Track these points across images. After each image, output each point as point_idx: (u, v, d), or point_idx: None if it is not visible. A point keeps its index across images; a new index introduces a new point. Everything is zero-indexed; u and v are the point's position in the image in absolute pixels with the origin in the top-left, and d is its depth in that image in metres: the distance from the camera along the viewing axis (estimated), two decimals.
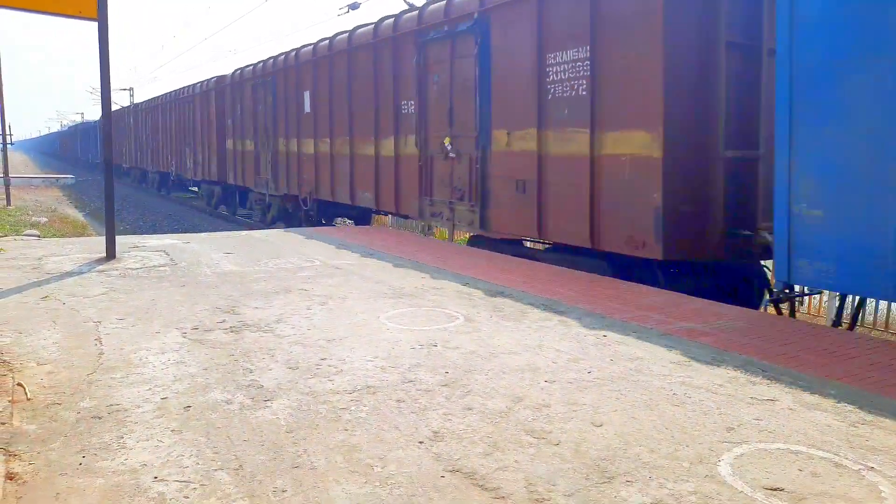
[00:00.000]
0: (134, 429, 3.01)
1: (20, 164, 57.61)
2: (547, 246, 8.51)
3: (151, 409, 3.24)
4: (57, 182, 38.01)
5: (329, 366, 3.90)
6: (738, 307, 5.48)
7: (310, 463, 2.70)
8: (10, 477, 2.57)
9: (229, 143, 18.68)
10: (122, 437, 2.92)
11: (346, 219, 15.01)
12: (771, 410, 3.26)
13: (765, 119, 6.18)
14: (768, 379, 3.71)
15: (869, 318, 7.55)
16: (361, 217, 14.25)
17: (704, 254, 6.51)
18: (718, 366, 3.94)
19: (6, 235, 12.88)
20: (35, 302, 5.49)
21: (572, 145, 7.35)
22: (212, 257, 7.91)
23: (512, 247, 8.72)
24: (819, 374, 3.81)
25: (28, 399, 3.35)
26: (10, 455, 2.74)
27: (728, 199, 6.31)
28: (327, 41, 13.12)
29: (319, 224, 13.92)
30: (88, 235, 15.83)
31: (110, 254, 7.74)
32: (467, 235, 10.38)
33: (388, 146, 11.31)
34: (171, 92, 25.28)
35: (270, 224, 15.85)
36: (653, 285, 6.35)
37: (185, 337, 4.50)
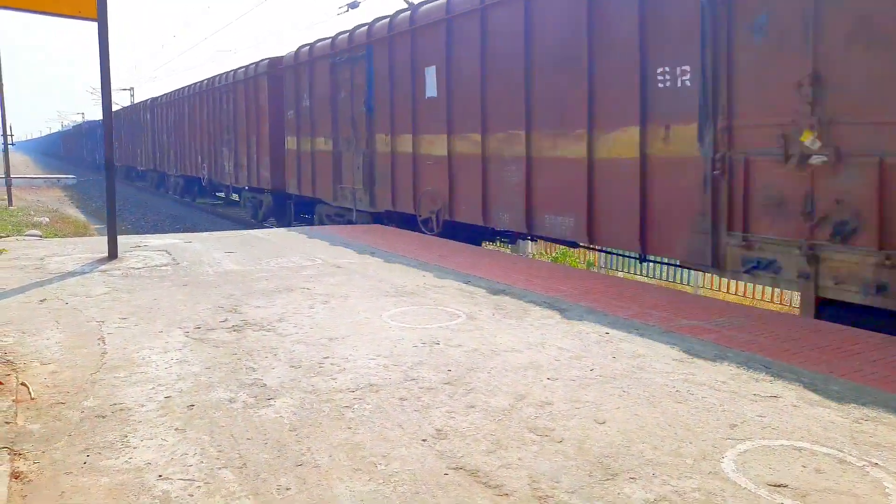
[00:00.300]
0: (138, 428, 3.02)
1: (21, 165, 57.68)
2: None
3: (155, 408, 3.24)
4: (58, 182, 38.03)
5: (332, 364, 3.91)
6: (741, 304, 5.47)
7: (313, 461, 2.71)
8: (15, 476, 2.57)
9: (290, 142, 14.80)
10: (126, 436, 2.92)
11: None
12: (774, 407, 3.26)
13: None
14: (771, 375, 3.71)
15: None
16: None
17: None
18: (721, 362, 3.94)
19: (8, 236, 12.90)
20: (38, 302, 5.50)
21: None
22: (214, 256, 7.91)
23: None
24: (822, 370, 3.81)
25: (32, 399, 3.36)
26: (14, 454, 2.74)
27: None
28: None
29: None
30: (90, 235, 15.85)
31: (112, 253, 7.74)
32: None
33: (621, 142, 6.85)
34: (201, 81, 21.21)
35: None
36: None
37: (187, 336, 4.51)
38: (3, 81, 20.98)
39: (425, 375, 3.71)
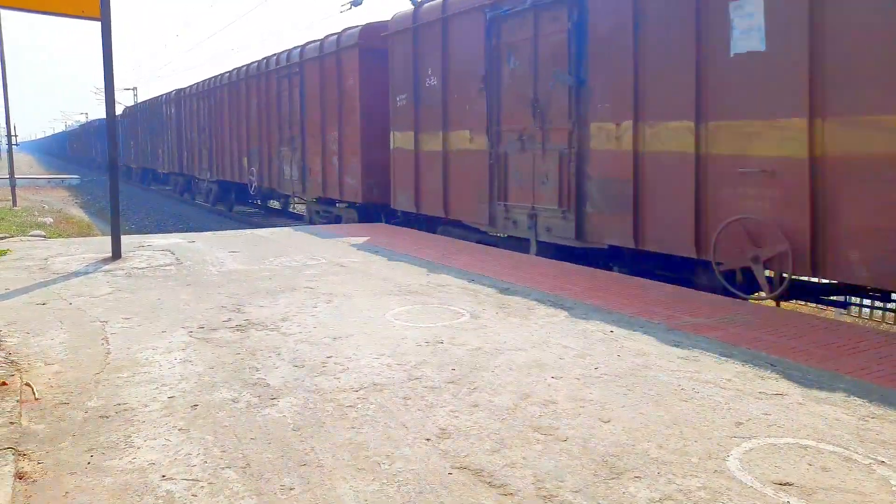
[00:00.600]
0: (141, 428, 3.02)
1: (25, 165, 57.82)
2: None
3: (159, 408, 3.24)
4: (62, 183, 38.14)
5: (335, 364, 3.90)
6: (746, 301, 5.45)
7: (317, 461, 2.70)
8: (19, 476, 2.57)
9: (400, 139, 10.93)
10: (130, 436, 2.92)
11: None
12: (780, 405, 3.24)
13: None
14: (777, 373, 3.69)
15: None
16: None
17: None
18: (726, 360, 3.92)
19: (12, 236, 12.94)
20: (42, 302, 5.50)
21: None
22: (217, 256, 7.92)
23: None
24: (828, 367, 3.79)
25: (36, 399, 3.36)
26: (19, 454, 2.75)
27: None
28: None
29: None
30: (94, 235, 15.88)
31: (116, 253, 7.75)
32: None
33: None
34: (248, 65, 17.35)
35: None
36: None
37: (191, 336, 4.51)
38: (7, 82, 21.00)
39: (429, 374, 3.70)
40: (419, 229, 10.85)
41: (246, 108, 17.46)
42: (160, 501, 2.40)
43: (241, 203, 20.38)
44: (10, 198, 21.66)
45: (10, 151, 22.54)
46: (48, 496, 2.44)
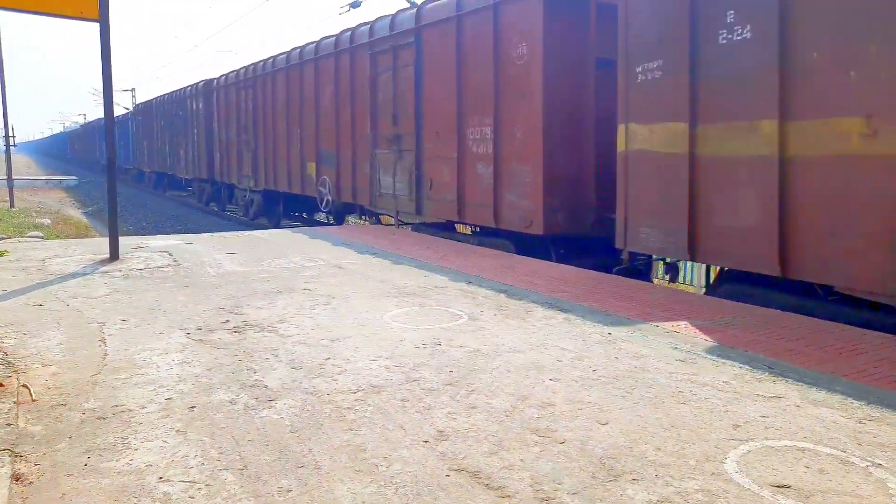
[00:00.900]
0: (139, 429, 3.01)
1: (23, 166, 57.73)
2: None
3: (156, 410, 3.24)
4: (60, 184, 38.07)
5: (333, 365, 3.90)
6: (744, 304, 5.46)
7: (315, 462, 2.70)
8: (16, 478, 2.57)
9: (641, 135, 6.56)
10: (127, 438, 2.92)
11: None
12: (777, 407, 3.24)
13: None
14: (774, 375, 3.69)
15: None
16: None
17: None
18: (724, 363, 3.93)
19: (10, 237, 12.92)
20: (39, 303, 5.49)
21: None
22: (215, 258, 7.91)
23: None
24: (826, 370, 3.79)
25: (33, 400, 3.35)
26: (15, 456, 2.74)
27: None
28: None
29: None
30: (91, 237, 15.86)
31: (114, 255, 7.75)
32: None
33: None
34: (318, 42, 13.41)
35: None
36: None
37: (188, 337, 4.50)
38: (5, 82, 20.98)
39: (427, 376, 3.70)
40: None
41: (314, 98, 13.42)
42: (157, 503, 2.40)
43: (289, 217, 17.02)
44: (8, 199, 21.63)
45: (7, 153, 22.52)
46: (45, 498, 2.44)
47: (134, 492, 2.47)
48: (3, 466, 2.64)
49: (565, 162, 7.94)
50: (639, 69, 6.61)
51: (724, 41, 5.71)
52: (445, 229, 10.43)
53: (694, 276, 9.15)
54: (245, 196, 18.01)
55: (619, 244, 6.92)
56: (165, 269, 7.10)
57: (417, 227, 11.07)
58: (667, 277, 7.28)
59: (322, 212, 14.00)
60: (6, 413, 3.18)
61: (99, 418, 3.13)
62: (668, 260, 7.09)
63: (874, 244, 4.71)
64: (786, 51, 5.23)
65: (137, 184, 34.80)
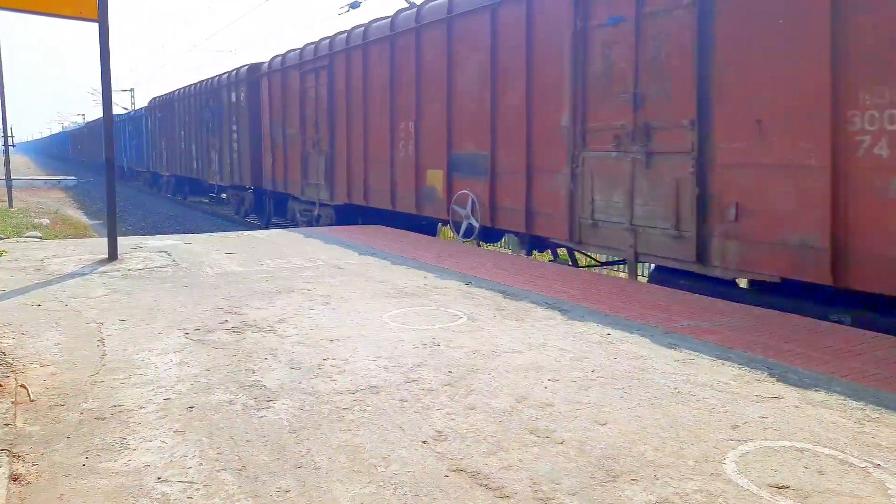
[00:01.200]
0: (137, 430, 3.01)
1: (21, 166, 57.72)
2: None
3: (154, 410, 3.23)
4: (59, 184, 38.06)
5: (332, 366, 3.90)
6: (743, 304, 5.46)
7: (313, 463, 2.70)
8: (14, 478, 2.56)
9: None
10: (126, 438, 2.91)
11: None
12: (776, 408, 3.24)
13: None
14: (773, 376, 3.69)
15: None
16: None
17: None
18: (723, 363, 3.93)
19: (8, 237, 12.91)
20: (37, 304, 5.49)
21: None
22: (214, 258, 7.90)
23: None
24: (825, 370, 3.79)
25: (31, 401, 3.35)
26: (13, 456, 2.73)
27: None
28: None
29: None
30: (90, 237, 15.85)
31: (112, 255, 7.74)
32: None
33: None
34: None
35: None
36: None
37: (187, 338, 4.50)
38: (4, 82, 20.96)
39: (426, 377, 3.69)
40: None
41: (446, 75, 9.59)
42: (155, 503, 2.40)
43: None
44: (7, 199, 21.62)
45: (6, 153, 22.49)
46: (43, 498, 2.43)
47: (132, 492, 2.46)
48: (1, 467, 2.64)
49: None
50: None
51: None
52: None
53: None
54: (310, 211, 13.90)
55: None
56: (164, 270, 7.09)
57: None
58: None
59: (460, 240, 9.50)
60: (4, 413, 3.18)
61: (97, 419, 3.13)
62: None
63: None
64: None
65: (151, 188, 30.88)
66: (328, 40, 12.96)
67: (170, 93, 24.14)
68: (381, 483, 2.53)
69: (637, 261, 6.91)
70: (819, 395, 3.41)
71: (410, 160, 10.56)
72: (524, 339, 4.42)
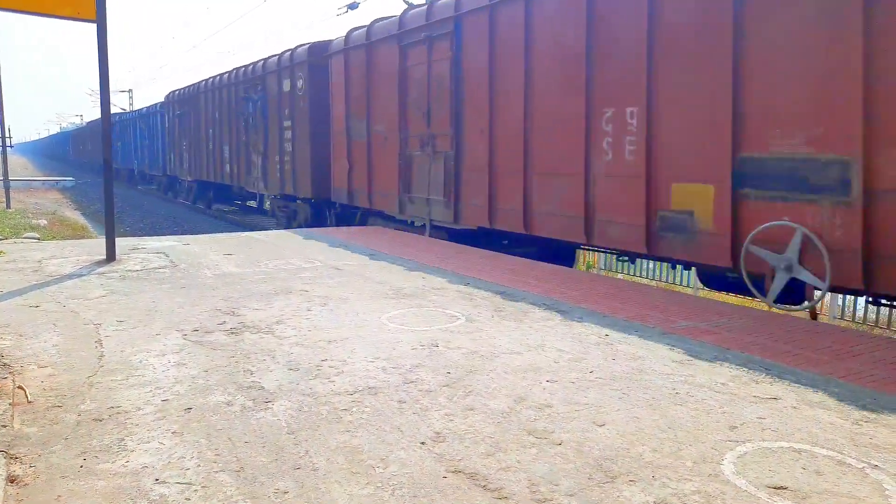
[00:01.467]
0: (135, 431, 3.00)
1: (19, 167, 57.62)
2: None
3: (152, 412, 3.23)
4: (57, 185, 38.01)
5: (330, 367, 3.89)
6: (740, 306, 5.47)
7: (311, 464, 2.69)
8: (11, 480, 2.56)
9: None
10: (123, 440, 2.91)
11: None
12: (774, 409, 3.25)
13: None
14: (771, 377, 3.70)
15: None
16: None
17: None
18: (721, 364, 3.93)
19: (6, 238, 12.89)
20: (35, 305, 5.48)
21: None
22: (212, 259, 7.90)
23: None
24: (822, 371, 3.80)
25: (29, 402, 3.34)
26: (11, 458, 2.73)
27: None
28: None
29: None
30: (89, 238, 15.83)
31: (110, 256, 7.73)
32: None
33: None
34: None
35: None
36: None
37: (185, 339, 4.49)
38: (2, 83, 20.92)
39: (424, 378, 3.69)
40: None
41: None
42: None
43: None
44: (4, 200, 21.59)
45: (3, 153, 22.45)
46: (40, 500, 2.43)
47: (130, 494, 2.46)
48: None
49: None
50: None
51: None
52: None
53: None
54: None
55: None
56: (162, 271, 7.08)
57: None
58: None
59: (772, 305, 5.66)
60: (2, 415, 3.17)
61: (95, 420, 3.12)
62: None
63: None
64: None
65: (166, 193, 27.31)
66: None
67: (193, 85, 20.90)
68: (380, 484, 2.53)
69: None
70: (817, 396, 3.41)
71: (630, 167, 6.87)
72: (522, 340, 4.42)
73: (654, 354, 4.12)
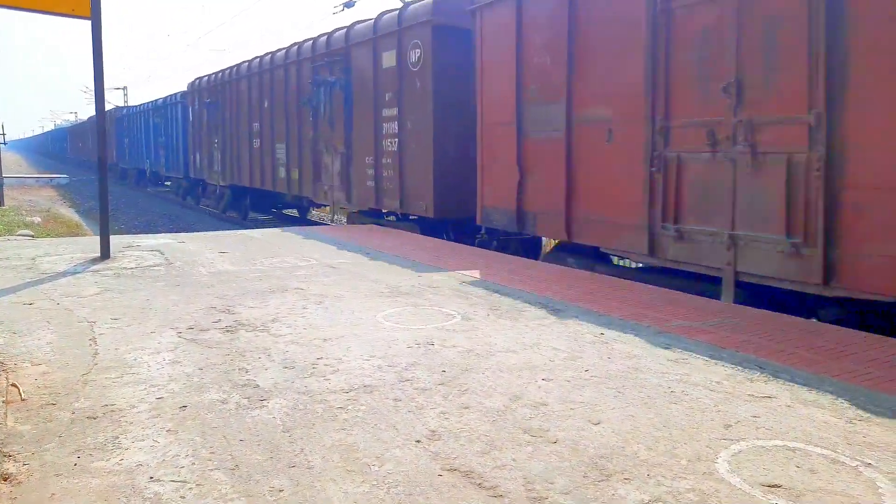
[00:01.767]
0: (129, 429, 2.99)
1: (13, 164, 57.37)
2: None
3: (147, 409, 3.22)
4: (51, 182, 37.85)
5: (325, 365, 3.89)
6: (736, 305, 5.49)
7: (306, 462, 2.69)
8: (4, 478, 2.55)
9: None
10: (118, 438, 2.90)
11: None
12: (768, 407, 3.26)
13: None
14: (766, 376, 3.71)
15: None
16: None
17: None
18: (716, 363, 3.94)
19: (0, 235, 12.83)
20: (29, 302, 5.45)
21: None
22: (207, 256, 7.88)
23: None
24: (816, 370, 3.81)
25: (22, 399, 3.33)
26: (4, 456, 2.72)
27: None
28: None
29: None
30: (83, 235, 15.77)
31: (105, 253, 7.70)
32: None
33: None
34: None
35: None
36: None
37: (180, 336, 4.48)
38: None
39: (420, 376, 3.69)
40: None
41: None
42: (148, 503, 2.38)
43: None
44: None
45: None
46: (34, 498, 2.42)
47: (124, 492, 2.45)
48: None
49: None
50: None
51: None
52: None
53: None
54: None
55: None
56: (157, 268, 7.06)
57: None
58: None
59: None
60: None
61: (89, 418, 3.11)
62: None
63: None
64: None
65: (185, 199, 23.74)
66: None
67: (228, 69, 17.04)
68: (375, 482, 2.53)
69: None
70: (811, 395, 3.42)
71: None
72: (518, 339, 4.42)
73: (650, 353, 4.13)
